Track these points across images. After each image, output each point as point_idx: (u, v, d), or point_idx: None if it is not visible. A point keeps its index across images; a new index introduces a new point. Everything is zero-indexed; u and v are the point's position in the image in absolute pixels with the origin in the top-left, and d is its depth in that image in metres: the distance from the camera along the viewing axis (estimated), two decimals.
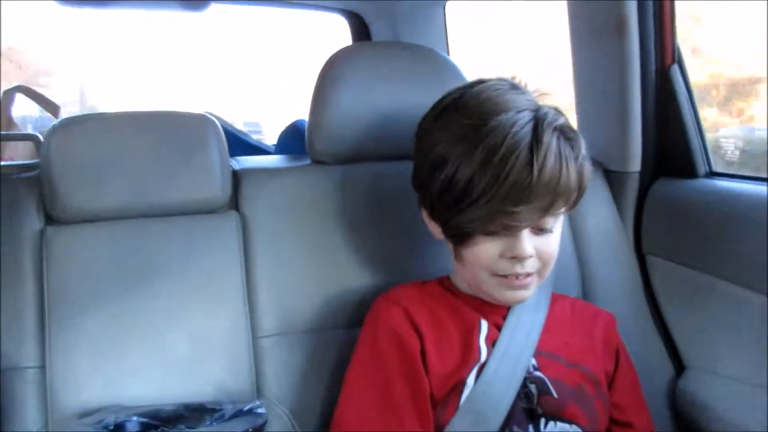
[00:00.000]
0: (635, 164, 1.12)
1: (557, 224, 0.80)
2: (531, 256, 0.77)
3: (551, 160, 0.73)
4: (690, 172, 1.08)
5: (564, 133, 0.76)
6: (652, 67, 1.09)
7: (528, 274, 0.78)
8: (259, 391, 0.87)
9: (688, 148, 1.07)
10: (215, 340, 0.87)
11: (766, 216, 0.92)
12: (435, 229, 0.84)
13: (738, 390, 0.95)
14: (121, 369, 0.84)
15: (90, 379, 0.82)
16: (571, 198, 0.77)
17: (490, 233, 0.76)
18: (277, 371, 0.88)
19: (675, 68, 1.08)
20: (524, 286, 0.79)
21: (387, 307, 0.83)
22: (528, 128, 0.73)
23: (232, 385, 0.86)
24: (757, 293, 0.92)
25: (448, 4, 1.75)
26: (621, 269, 1.11)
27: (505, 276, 0.78)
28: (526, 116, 0.74)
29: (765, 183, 1.01)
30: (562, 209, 0.78)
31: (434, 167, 0.77)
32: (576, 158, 0.76)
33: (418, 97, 0.97)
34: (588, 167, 0.79)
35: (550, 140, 0.73)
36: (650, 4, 1.07)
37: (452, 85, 0.97)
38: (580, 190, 0.78)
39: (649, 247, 1.12)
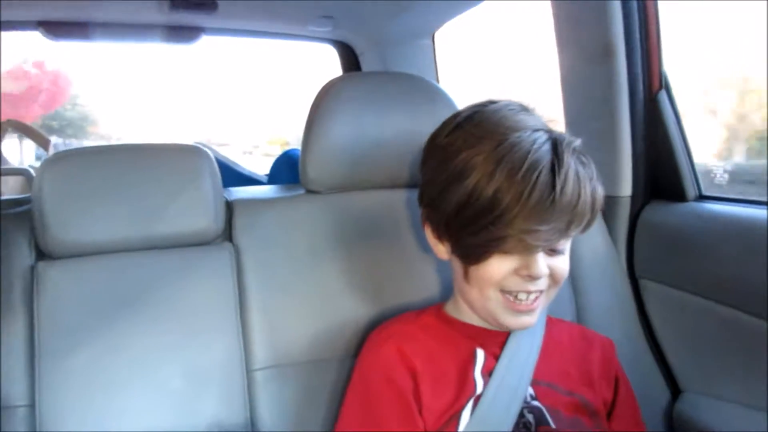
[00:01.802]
0: (626, 189, 1.13)
1: (568, 246, 0.80)
2: (545, 276, 0.76)
3: (571, 180, 0.73)
4: (680, 195, 1.09)
5: (579, 155, 0.76)
6: (640, 92, 1.11)
7: (537, 296, 0.78)
8: (253, 424, 0.86)
9: (678, 172, 1.09)
10: (209, 374, 0.86)
11: (756, 238, 0.93)
12: (440, 248, 0.83)
13: (735, 412, 0.95)
14: (113, 405, 0.83)
15: (81, 416, 0.81)
16: (585, 219, 0.77)
17: (506, 252, 0.75)
18: (271, 403, 0.87)
19: (663, 94, 1.10)
20: (531, 311, 0.78)
21: (380, 345, 0.82)
22: (547, 147, 0.74)
23: (225, 418, 0.85)
24: (751, 315, 0.92)
25: (436, 33, 1.78)
26: (614, 293, 1.11)
27: (514, 298, 0.77)
28: (543, 136, 0.75)
29: (755, 205, 1.02)
30: (576, 231, 0.77)
31: (450, 182, 0.76)
32: (590, 180, 0.76)
33: (409, 125, 0.99)
34: (600, 191, 0.78)
35: (570, 161, 0.73)
36: (637, 31, 1.09)
37: (443, 113, 0.97)
38: (593, 212, 0.77)
39: (642, 271, 1.12)
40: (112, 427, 0.82)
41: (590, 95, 1.16)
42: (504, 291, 0.77)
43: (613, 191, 1.14)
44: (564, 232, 0.75)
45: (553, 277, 0.78)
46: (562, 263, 0.79)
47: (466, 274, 0.80)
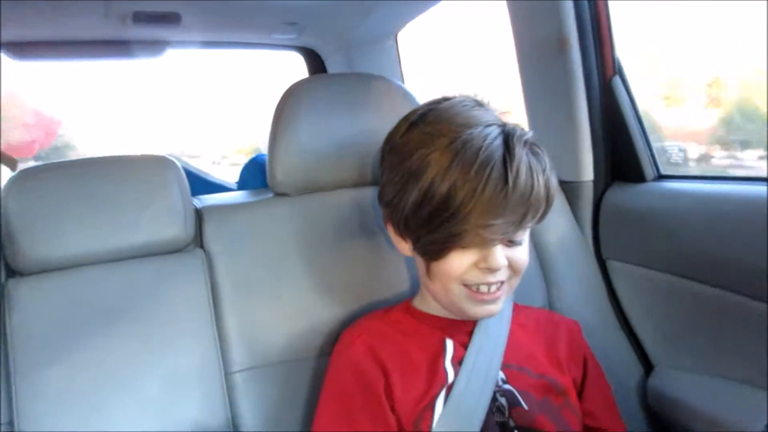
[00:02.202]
0: (588, 173, 1.16)
1: (525, 236, 0.82)
2: (504, 267, 0.78)
3: (523, 173, 0.74)
4: (640, 176, 1.12)
5: (531, 147, 0.78)
6: (596, 80, 1.14)
7: (499, 286, 0.80)
8: (234, 426, 0.87)
9: (636, 154, 1.12)
10: (188, 380, 0.87)
11: (714, 212, 0.96)
12: (402, 245, 0.85)
13: (704, 383, 0.98)
14: (94, 417, 0.83)
15: (58, 427, 0.81)
16: (540, 210, 0.79)
17: (464, 247, 0.77)
18: (251, 404, 0.88)
19: (617, 79, 1.13)
20: (494, 300, 0.80)
21: (350, 343, 0.84)
22: (499, 141, 0.75)
23: (207, 422, 0.86)
24: (715, 288, 0.95)
25: (399, 33, 1.80)
26: (584, 276, 1.14)
27: (477, 289, 0.79)
28: (496, 130, 0.76)
29: (711, 181, 1.06)
30: (532, 222, 0.79)
31: (406, 182, 0.78)
32: (543, 171, 0.77)
33: (374, 125, 1.00)
34: (554, 180, 0.80)
35: (521, 154, 0.75)
36: (589, 22, 1.13)
37: (407, 111, 1.00)
38: (548, 202, 0.79)
39: (608, 252, 1.15)
40: None
41: (548, 86, 1.19)
42: (466, 284, 0.79)
43: (575, 176, 1.17)
44: (519, 224, 0.77)
45: (512, 267, 0.80)
46: (520, 254, 0.81)
47: (428, 270, 0.82)
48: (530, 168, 0.75)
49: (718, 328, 0.96)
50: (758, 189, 0.95)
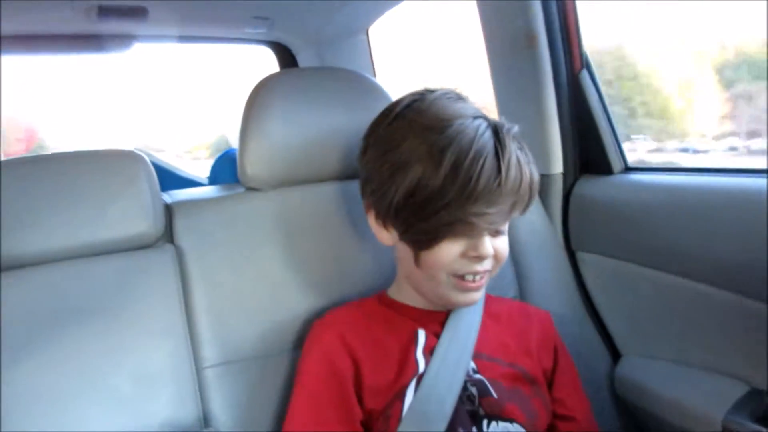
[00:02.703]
0: (557, 166, 1.18)
1: (506, 227, 0.84)
2: (491, 256, 0.80)
3: (514, 165, 0.77)
4: (608, 169, 1.14)
5: (518, 140, 0.80)
6: (564, 74, 1.15)
7: (483, 275, 0.81)
8: (206, 422, 0.86)
9: (604, 147, 1.14)
10: (158, 376, 0.86)
11: (680, 203, 0.98)
12: (384, 235, 0.85)
13: (670, 370, 1.00)
14: (64, 416, 0.82)
15: (27, 428, 0.80)
16: (526, 200, 0.81)
17: (455, 236, 0.78)
18: (223, 400, 0.88)
19: (584, 73, 1.15)
20: (478, 288, 0.82)
21: (321, 332, 0.85)
22: (489, 134, 0.77)
23: (178, 418, 0.85)
24: (677, 276, 0.98)
25: (371, 28, 1.80)
26: (554, 267, 1.16)
27: (462, 278, 0.80)
28: (483, 123, 0.78)
29: (677, 173, 1.08)
30: (519, 212, 0.81)
31: (395, 172, 0.78)
32: (528, 163, 0.80)
33: (344, 119, 1.01)
34: (536, 173, 0.82)
35: (511, 146, 0.77)
36: (556, 18, 1.14)
37: (378, 106, 0.99)
38: (532, 193, 0.81)
39: (577, 244, 1.17)
40: None
41: (518, 81, 1.20)
42: (453, 274, 0.80)
43: (545, 170, 1.18)
44: (508, 214, 0.79)
45: (496, 256, 0.81)
46: (503, 243, 0.83)
47: (416, 260, 0.82)
48: (519, 160, 0.78)
49: (684, 317, 0.99)
50: (722, 180, 0.97)
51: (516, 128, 0.80)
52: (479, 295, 0.83)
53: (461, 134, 0.76)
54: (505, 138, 0.77)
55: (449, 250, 0.79)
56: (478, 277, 0.80)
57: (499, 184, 0.75)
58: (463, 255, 0.79)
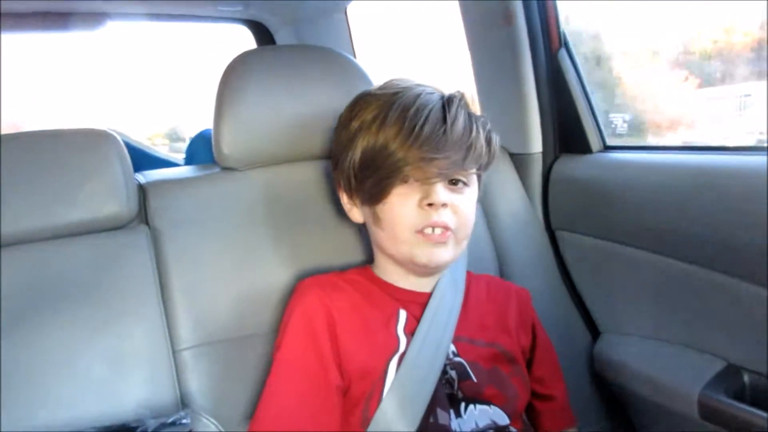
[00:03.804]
0: (536, 145, 1.18)
1: (471, 189, 0.84)
2: (445, 205, 0.80)
3: (462, 118, 0.80)
4: (586, 148, 1.14)
5: (469, 109, 0.83)
6: (542, 53, 1.15)
7: (445, 229, 0.80)
8: (183, 404, 0.85)
9: (582, 126, 1.13)
10: (134, 358, 0.85)
11: (657, 181, 0.99)
12: (354, 212, 0.88)
13: (647, 346, 1.01)
14: (34, 397, 0.80)
15: (7, 412, 0.78)
16: (482, 160, 0.83)
17: (406, 183, 0.80)
18: (200, 382, 0.87)
19: (563, 52, 1.14)
20: (442, 243, 0.81)
21: (303, 292, 0.84)
22: (437, 96, 0.82)
23: (154, 401, 0.84)
24: (658, 255, 0.98)
25: (350, 6, 1.77)
26: (533, 246, 1.16)
27: (422, 232, 0.80)
28: (436, 93, 0.83)
29: (654, 151, 1.08)
30: (474, 168, 0.82)
31: (353, 136, 0.83)
32: (484, 125, 0.83)
33: (322, 98, 0.99)
34: (496, 138, 0.85)
35: (459, 107, 0.81)
36: None
37: (356, 85, 0.99)
38: (491, 153, 0.84)
39: (557, 223, 1.17)
40: (39, 420, 0.79)
41: (496, 61, 1.19)
42: (414, 230, 0.80)
43: (524, 149, 1.18)
44: (460, 164, 0.80)
45: (457, 214, 0.81)
46: (464, 202, 0.82)
47: (376, 219, 0.83)
48: (469, 117, 0.82)
49: (661, 294, 1.00)
50: (698, 158, 0.98)
51: (467, 98, 0.84)
52: (446, 254, 0.82)
53: (408, 92, 0.82)
54: (453, 100, 0.81)
55: (403, 201, 0.80)
56: (438, 231, 0.80)
57: (444, 132, 0.78)
58: (419, 205, 0.79)
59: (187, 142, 1.52)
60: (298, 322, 0.82)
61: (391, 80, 0.87)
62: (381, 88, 0.86)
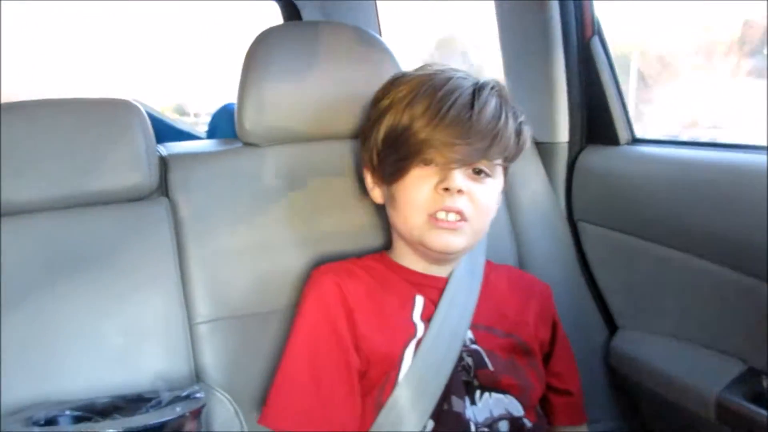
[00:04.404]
0: (563, 135, 1.16)
1: (494, 181, 0.82)
2: (462, 192, 0.78)
3: (491, 106, 0.78)
4: (614, 140, 1.11)
5: (503, 96, 0.81)
6: (574, 40, 1.12)
7: (459, 216, 0.78)
8: (198, 377, 0.86)
9: (611, 117, 1.11)
10: (150, 329, 0.85)
11: (685, 177, 0.96)
12: (376, 192, 0.87)
13: (665, 344, 1.00)
14: (51, 365, 0.81)
15: (18, 377, 0.79)
16: (509, 150, 0.81)
17: (428, 165, 0.78)
18: (215, 356, 0.87)
19: (595, 40, 1.11)
20: (455, 230, 0.79)
21: (319, 279, 0.84)
22: (469, 81, 0.81)
23: (169, 373, 0.84)
24: (679, 251, 0.96)
25: None
26: (554, 237, 1.14)
27: (435, 217, 0.78)
28: (470, 79, 0.82)
29: (683, 146, 1.06)
30: (499, 159, 0.81)
31: (381, 115, 0.83)
32: (514, 115, 0.81)
33: (346, 77, 0.98)
34: (527, 130, 0.83)
35: (490, 94, 0.80)
36: None
37: (382, 64, 0.98)
38: (519, 146, 0.82)
39: (580, 214, 1.15)
40: (50, 387, 0.80)
41: (526, 45, 1.17)
42: (428, 215, 0.79)
43: (550, 138, 1.16)
44: (484, 153, 0.78)
45: (474, 203, 0.79)
46: (484, 192, 0.81)
47: (392, 200, 0.83)
48: (499, 105, 0.80)
49: (683, 293, 0.98)
50: (729, 156, 0.95)
51: (503, 87, 0.83)
52: (460, 241, 0.80)
53: (441, 76, 0.80)
54: (485, 87, 0.80)
55: (420, 183, 0.79)
56: (451, 216, 0.78)
57: (471, 117, 0.76)
58: (435, 190, 0.78)
59: (192, 117, 1.52)
60: (313, 307, 0.81)
61: (429, 64, 0.86)
62: (417, 70, 0.85)
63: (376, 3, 1.76)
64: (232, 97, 1.00)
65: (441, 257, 0.84)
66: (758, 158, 0.89)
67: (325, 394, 0.78)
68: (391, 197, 0.83)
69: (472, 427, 0.79)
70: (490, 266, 0.92)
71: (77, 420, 0.73)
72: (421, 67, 0.86)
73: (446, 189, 0.77)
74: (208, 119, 1.49)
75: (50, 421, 0.72)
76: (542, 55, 1.13)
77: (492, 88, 0.81)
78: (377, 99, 0.86)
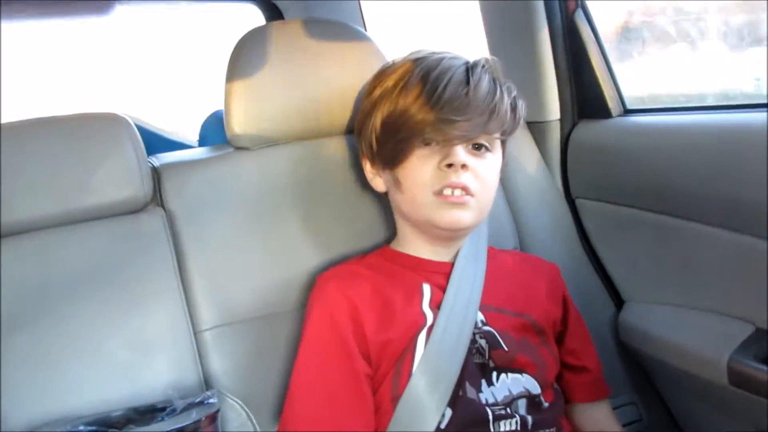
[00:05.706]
0: (554, 113, 1.15)
1: (494, 156, 0.83)
2: (465, 167, 0.78)
3: (485, 81, 0.80)
4: (606, 113, 1.11)
5: (495, 72, 0.83)
6: (557, 14, 1.11)
7: (464, 191, 0.79)
8: (207, 385, 0.85)
9: (601, 89, 1.10)
10: (156, 341, 0.85)
11: (679, 143, 0.96)
12: (377, 180, 0.88)
13: (672, 314, 0.99)
14: (60, 384, 0.81)
15: (26, 397, 0.79)
16: (507, 125, 0.82)
17: (428, 146, 0.79)
18: (223, 362, 0.87)
19: (579, 12, 1.10)
20: (462, 204, 0.79)
21: (323, 286, 0.84)
22: (461, 61, 0.82)
23: (179, 382, 0.84)
24: (679, 218, 0.96)
25: None
26: (554, 216, 1.14)
27: (441, 193, 0.79)
28: (461, 59, 0.83)
29: (675, 112, 1.05)
30: (497, 133, 0.82)
31: (376, 103, 0.84)
32: (508, 90, 0.82)
33: (334, 73, 0.98)
34: (522, 104, 0.85)
35: (483, 70, 0.81)
36: None
37: (369, 60, 0.98)
38: (515, 120, 0.83)
39: (577, 191, 1.15)
40: (62, 405, 0.80)
41: (510, 24, 1.16)
42: (434, 193, 0.79)
43: (542, 116, 1.15)
44: (483, 127, 0.79)
45: (479, 179, 0.80)
46: (486, 167, 0.82)
47: (396, 183, 0.83)
48: (493, 81, 0.81)
49: (686, 260, 0.97)
50: (722, 117, 0.95)
51: (495, 64, 0.84)
52: (468, 216, 0.80)
53: (431, 58, 0.82)
54: (477, 65, 0.81)
55: (423, 163, 0.80)
56: (457, 192, 0.79)
57: (467, 94, 0.78)
58: (438, 167, 0.79)
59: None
60: (318, 316, 0.81)
61: (417, 50, 0.86)
62: (406, 56, 0.86)
63: (360, 3, 1.76)
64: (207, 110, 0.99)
65: (449, 235, 0.84)
66: (751, 116, 0.89)
67: (336, 405, 0.78)
68: (395, 181, 0.84)
69: (489, 412, 0.79)
70: (493, 251, 0.92)
71: None
72: (410, 54, 0.86)
73: (449, 165, 0.78)
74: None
75: None
76: (527, 33, 1.12)
77: (484, 65, 0.82)
78: (370, 89, 0.86)
